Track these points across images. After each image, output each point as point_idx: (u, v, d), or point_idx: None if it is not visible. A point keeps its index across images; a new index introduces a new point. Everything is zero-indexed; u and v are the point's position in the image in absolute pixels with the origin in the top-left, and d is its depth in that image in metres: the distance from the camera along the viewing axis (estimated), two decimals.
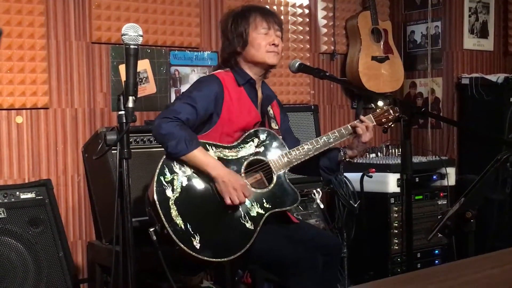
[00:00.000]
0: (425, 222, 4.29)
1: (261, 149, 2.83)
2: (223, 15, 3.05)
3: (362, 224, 4.21)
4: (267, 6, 4.43)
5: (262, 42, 2.83)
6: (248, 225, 2.68)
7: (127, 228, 2.29)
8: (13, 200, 3.33)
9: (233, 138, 2.81)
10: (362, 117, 2.90)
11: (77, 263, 3.72)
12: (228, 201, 2.64)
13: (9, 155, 3.54)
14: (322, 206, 4.17)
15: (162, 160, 2.67)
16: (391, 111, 2.89)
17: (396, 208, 4.24)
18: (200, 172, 2.68)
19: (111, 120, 3.84)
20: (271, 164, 2.80)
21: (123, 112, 2.32)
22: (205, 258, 2.58)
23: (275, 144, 2.86)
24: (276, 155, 2.82)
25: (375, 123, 2.90)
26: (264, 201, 2.74)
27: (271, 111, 3.00)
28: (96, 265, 3.59)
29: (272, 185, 2.78)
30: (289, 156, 2.82)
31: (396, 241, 4.24)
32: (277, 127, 2.96)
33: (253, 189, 2.74)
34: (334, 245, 2.99)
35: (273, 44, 2.84)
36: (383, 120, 2.90)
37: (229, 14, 2.94)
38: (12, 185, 3.44)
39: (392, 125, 2.92)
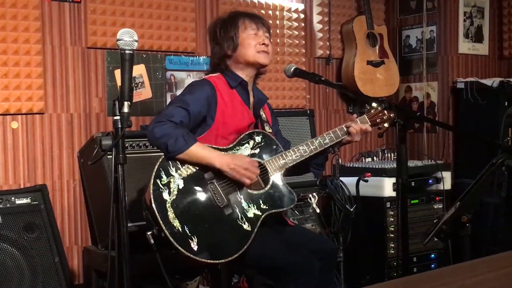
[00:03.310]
0: (421, 226, 4.30)
1: (257, 150, 2.83)
2: (211, 23, 3.05)
3: (358, 229, 4.21)
4: (263, 11, 4.46)
5: (252, 42, 2.85)
6: (246, 226, 2.68)
7: (122, 233, 2.29)
8: (8, 205, 3.32)
9: (228, 141, 2.81)
10: (356, 118, 2.90)
11: (72, 269, 3.71)
12: (248, 182, 2.68)
13: (5, 160, 3.53)
14: (318, 210, 4.16)
15: (158, 163, 2.66)
16: (385, 112, 2.89)
17: (392, 212, 4.24)
18: (202, 168, 2.67)
19: (106, 125, 3.84)
20: (267, 166, 2.80)
21: (118, 117, 2.32)
22: (203, 260, 2.57)
23: (270, 146, 2.87)
24: (271, 157, 2.83)
25: (369, 123, 2.90)
26: (261, 202, 2.74)
27: (263, 115, 3.01)
28: (92, 271, 3.58)
29: (268, 186, 2.78)
30: (285, 158, 2.82)
31: (392, 245, 4.23)
32: (270, 130, 2.96)
33: (249, 190, 2.74)
34: (330, 249, 2.98)
35: (263, 44, 2.86)
36: (377, 121, 2.91)
37: (217, 21, 2.96)
38: (8, 191, 3.44)
39: (387, 126, 2.92)
